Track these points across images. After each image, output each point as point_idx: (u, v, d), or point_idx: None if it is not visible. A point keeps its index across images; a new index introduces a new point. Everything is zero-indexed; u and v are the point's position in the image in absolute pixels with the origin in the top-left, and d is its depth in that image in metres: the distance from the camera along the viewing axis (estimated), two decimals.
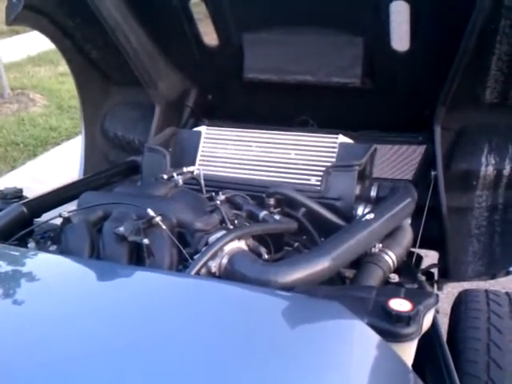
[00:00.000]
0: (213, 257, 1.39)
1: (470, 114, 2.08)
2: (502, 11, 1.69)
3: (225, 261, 1.41)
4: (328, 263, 1.39)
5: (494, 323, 1.74)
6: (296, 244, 1.82)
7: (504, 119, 2.04)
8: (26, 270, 1.29)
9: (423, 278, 1.93)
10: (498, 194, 2.10)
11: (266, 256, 1.59)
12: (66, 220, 1.60)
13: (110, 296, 1.17)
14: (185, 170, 2.02)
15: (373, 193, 1.99)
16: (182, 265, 1.51)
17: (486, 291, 1.95)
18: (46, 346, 0.97)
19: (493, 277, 2.19)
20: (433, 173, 2.08)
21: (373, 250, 1.62)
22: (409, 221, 1.87)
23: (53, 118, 6.44)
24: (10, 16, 2.13)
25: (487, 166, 2.05)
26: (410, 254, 1.87)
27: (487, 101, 2.01)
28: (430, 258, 2.27)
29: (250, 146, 2.19)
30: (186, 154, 2.25)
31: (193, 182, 2.01)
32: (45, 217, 1.81)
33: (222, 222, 1.65)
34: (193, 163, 2.20)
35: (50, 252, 1.60)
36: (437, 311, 1.38)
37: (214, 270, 1.39)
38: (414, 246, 1.86)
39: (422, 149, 2.25)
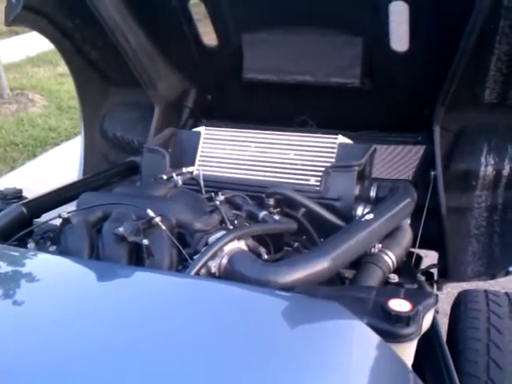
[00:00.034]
0: (212, 257, 1.39)
1: (470, 114, 2.08)
2: (501, 11, 1.69)
3: (224, 261, 1.41)
4: (327, 263, 1.39)
5: (494, 323, 1.74)
6: (295, 244, 1.82)
7: (503, 119, 2.04)
8: (25, 271, 1.29)
9: (423, 278, 1.93)
10: (498, 194, 2.10)
11: (266, 256, 1.59)
12: (66, 220, 1.60)
13: (109, 296, 1.17)
14: (184, 170, 2.02)
15: (372, 193, 1.99)
16: (181, 265, 1.51)
17: (486, 291, 1.95)
18: (45, 346, 0.96)
19: (492, 277, 2.19)
20: (432, 173, 2.08)
21: (372, 250, 1.62)
22: (408, 221, 1.87)
23: (52, 118, 6.44)
24: (9, 16, 2.13)
25: (486, 166, 2.05)
26: (409, 255, 1.87)
27: (486, 101, 2.01)
28: (429, 258, 2.27)
29: (250, 146, 2.19)
30: (185, 155, 2.25)
31: (192, 182, 2.01)
32: (44, 217, 1.81)
33: (222, 222, 1.65)
34: (192, 164, 2.20)
35: (49, 252, 1.60)
36: (436, 311, 1.38)
37: (213, 270, 1.39)
38: (413, 246, 1.86)
39: (421, 149, 2.25)
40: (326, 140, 2.09)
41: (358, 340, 1.05)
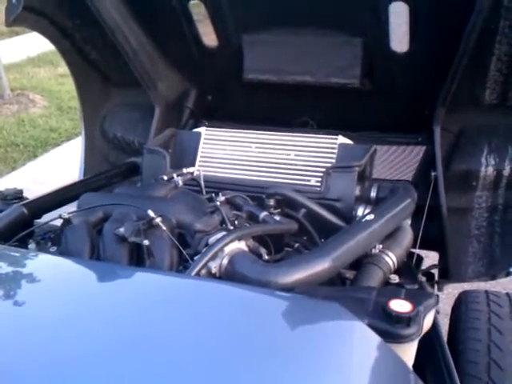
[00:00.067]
0: (213, 258, 1.39)
1: (470, 115, 2.08)
2: (501, 12, 1.69)
3: (225, 262, 1.41)
4: (328, 264, 1.39)
5: (495, 324, 1.74)
6: (296, 245, 1.82)
7: (503, 120, 2.04)
8: (26, 271, 1.29)
9: (423, 278, 1.93)
10: (498, 194, 2.10)
11: (266, 257, 1.59)
12: (67, 221, 1.61)
13: (110, 297, 1.17)
14: (185, 171, 2.02)
15: (373, 194, 1.99)
16: (182, 266, 1.51)
17: (487, 292, 1.95)
18: (46, 347, 0.97)
19: (493, 277, 2.19)
20: (433, 173, 2.08)
21: (373, 250, 1.62)
22: (409, 221, 1.87)
23: (53, 119, 6.45)
24: (10, 17, 2.13)
25: (487, 167, 2.05)
26: (410, 255, 1.87)
27: (487, 101, 2.01)
28: (430, 258, 2.27)
29: (250, 146, 2.19)
30: (185, 155, 2.26)
31: (193, 183, 2.01)
32: (45, 218, 1.81)
33: (222, 222, 1.65)
34: (193, 164, 2.20)
35: (50, 253, 1.60)
36: (437, 312, 1.37)
37: (214, 270, 1.39)
38: (414, 246, 1.86)
39: (421, 149, 2.25)
40: (327, 140, 2.09)
41: (359, 341, 1.05)
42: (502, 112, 2.03)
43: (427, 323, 1.18)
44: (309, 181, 2.01)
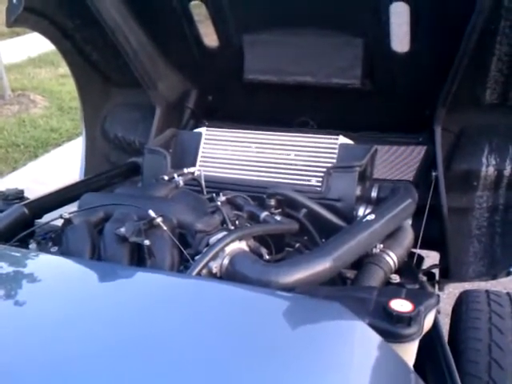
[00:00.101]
0: (214, 257, 1.39)
1: (471, 115, 2.08)
2: (501, 12, 1.69)
3: (226, 261, 1.41)
4: (329, 264, 1.39)
5: (496, 324, 1.74)
6: (297, 245, 1.82)
7: (504, 120, 2.04)
8: (27, 271, 1.30)
9: (424, 278, 1.93)
10: (499, 194, 2.10)
11: (267, 257, 1.59)
12: (67, 221, 1.61)
13: (111, 297, 1.17)
14: (185, 171, 2.02)
15: (373, 194, 2.00)
16: (183, 266, 1.51)
17: (487, 292, 1.95)
18: (47, 347, 0.97)
19: (494, 277, 2.19)
20: (433, 173, 2.08)
21: (374, 250, 1.62)
22: (410, 221, 1.87)
23: (53, 119, 6.45)
24: (11, 18, 2.13)
25: (488, 167, 2.05)
26: (411, 255, 1.87)
27: (487, 102, 2.01)
28: (431, 258, 2.27)
29: (251, 146, 2.19)
30: (186, 155, 2.26)
31: (193, 183, 2.01)
32: (46, 218, 1.81)
33: (223, 222, 1.65)
34: (193, 164, 2.20)
35: (51, 253, 1.60)
36: (438, 312, 1.38)
37: (215, 270, 1.39)
38: (414, 246, 1.86)
39: (422, 150, 2.25)
40: (327, 141, 2.09)
41: (360, 340, 1.05)
42: (502, 112, 2.03)
43: (428, 323, 1.18)
44: (309, 181, 2.01)
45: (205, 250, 1.44)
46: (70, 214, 1.62)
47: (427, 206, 2.02)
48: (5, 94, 6.93)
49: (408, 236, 1.74)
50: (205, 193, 1.97)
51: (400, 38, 2.01)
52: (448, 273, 2.15)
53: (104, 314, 1.07)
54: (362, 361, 0.98)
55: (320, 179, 1.96)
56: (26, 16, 2.16)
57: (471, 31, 1.72)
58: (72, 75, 2.62)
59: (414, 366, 1.17)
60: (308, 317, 1.12)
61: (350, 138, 2.13)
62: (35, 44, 8.04)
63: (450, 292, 2.75)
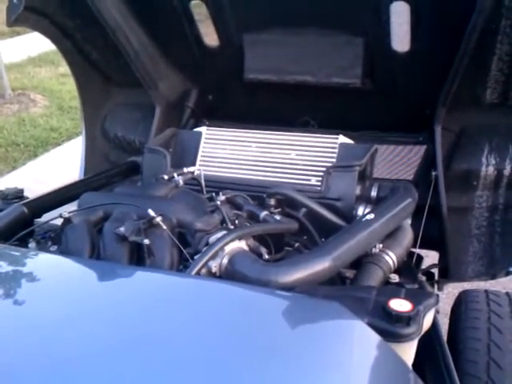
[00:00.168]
0: (213, 257, 1.39)
1: (471, 115, 2.08)
2: (502, 11, 1.69)
3: (225, 261, 1.41)
4: (328, 263, 1.39)
5: (495, 323, 1.74)
6: (296, 244, 1.82)
7: (504, 119, 2.04)
8: (26, 271, 1.30)
9: (423, 278, 1.93)
10: (499, 194, 2.10)
11: (267, 256, 1.59)
12: (67, 220, 1.61)
13: (110, 296, 1.17)
14: (185, 170, 2.02)
15: (373, 193, 2.00)
16: (182, 265, 1.51)
17: (486, 291, 1.95)
18: (46, 346, 0.97)
19: (493, 277, 2.19)
20: (433, 173, 2.08)
21: (373, 250, 1.62)
22: (409, 221, 1.87)
23: (53, 118, 6.45)
24: (11, 17, 2.13)
25: (488, 166, 2.05)
26: (410, 254, 1.87)
27: (488, 101, 2.01)
28: (430, 258, 2.27)
29: (251, 146, 2.19)
30: (186, 155, 2.26)
31: (193, 182, 2.02)
32: (45, 217, 1.81)
33: (223, 222, 1.65)
34: (193, 164, 2.20)
35: (50, 252, 1.60)
36: (437, 311, 1.38)
37: (214, 270, 1.39)
38: (414, 246, 1.86)
39: (422, 149, 2.25)
40: (327, 140, 2.09)
41: (359, 340, 1.05)
42: (502, 111, 2.03)
43: (427, 322, 1.18)
44: (309, 180, 2.01)
45: (204, 249, 1.44)
46: (69, 213, 1.62)
47: (427, 206, 2.02)
48: (5, 93, 6.93)
49: (407, 235, 1.74)
50: (204, 192, 1.97)
51: (400, 38, 2.01)
52: (447, 272, 2.15)
53: (103, 314, 1.07)
54: (361, 360, 0.98)
55: (320, 179, 1.96)
56: (27, 15, 2.16)
57: (472, 30, 1.72)
58: (72, 74, 2.62)
59: (413, 365, 1.17)
60: (307, 316, 1.12)
61: (350, 138, 2.13)
62: (35, 43, 8.06)
63: (449, 292, 2.75)
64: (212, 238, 1.50)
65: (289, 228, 1.76)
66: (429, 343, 1.43)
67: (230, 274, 1.39)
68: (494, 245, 2.11)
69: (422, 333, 1.14)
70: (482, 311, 1.81)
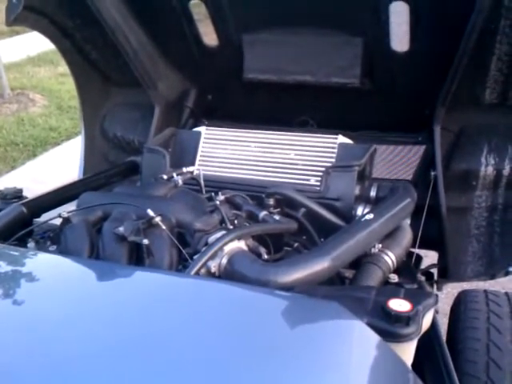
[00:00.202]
0: (212, 257, 1.39)
1: (470, 115, 2.08)
2: (501, 11, 1.69)
3: (224, 261, 1.41)
4: (327, 263, 1.39)
5: (494, 323, 1.74)
6: (296, 244, 1.82)
7: (503, 119, 2.05)
8: (25, 270, 1.29)
9: (423, 278, 1.93)
10: (498, 194, 2.10)
11: (266, 256, 1.59)
12: (66, 220, 1.61)
13: (109, 296, 1.17)
14: (184, 170, 2.02)
15: (372, 193, 2.00)
16: (181, 265, 1.51)
17: (486, 291, 1.95)
18: (45, 346, 0.97)
19: (492, 277, 2.19)
20: (432, 173, 2.08)
21: (372, 250, 1.62)
22: (408, 221, 1.87)
23: (52, 118, 6.45)
24: (10, 16, 2.13)
25: (487, 166, 2.05)
26: (409, 254, 1.87)
27: (487, 101, 2.01)
28: (429, 258, 2.27)
29: (250, 146, 2.19)
30: (185, 155, 2.26)
31: (192, 182, 2.01)
32: (44, 217, 1.81)
33: (222, 222, 1.65)
34: (192, 163, 2.20)
35: (49, 252, 1.60)
36: (436, 311, 1.38)
37: (213, 270, 1.39)
38: (413, 246, 1.86)
39: (421, 149, 2.25)
40: (327, 140, 2.09)
41: (358, 340, 1.05)
42: (502, 111, 2.03)
43: (426, 322, 1.18)
44: (308, 180, 2.01)
45: (203, 249, 1.44)
46: (68, 213, 1.62)
47: (426, 206, 2.02)
48: (4, 93, 6.92)
49: (407, 235, 1.74)
50: (204, 192, 1.97)
51: (399, 38, 2.01)
52: (446, 272, 2.15)
53: (102, 314, 1.07)
54: (361, 360, 0.98)
55: (319, 179, 1.96)
56: (26, 15, 2.16)
57: (471, 30, 1.72)
58: (71, 74, 2.62)
59: (412, 365, 1.17)
60: (306, 316, 1.12)
61: (350, 138, 2.12)
62: (35, 43, 8.05)
63: (449, 292, 2.75)
64: (211, 238, 1.50)
65: (288, 228, 1.76)
66: (428, 343, 1.43)
67: (229, 274, 1.39)
68: (493, 245, 2.11)
69: (422, 333, 1.14)
70: (481, 311, 1.81)
